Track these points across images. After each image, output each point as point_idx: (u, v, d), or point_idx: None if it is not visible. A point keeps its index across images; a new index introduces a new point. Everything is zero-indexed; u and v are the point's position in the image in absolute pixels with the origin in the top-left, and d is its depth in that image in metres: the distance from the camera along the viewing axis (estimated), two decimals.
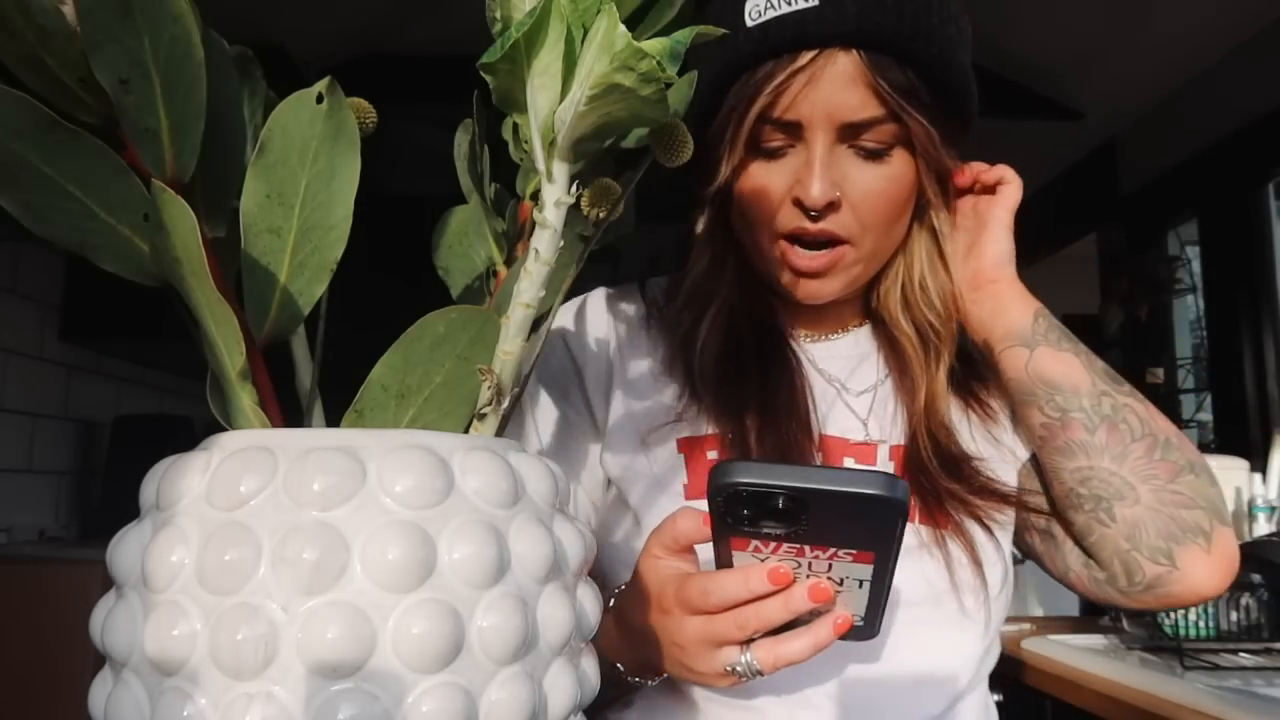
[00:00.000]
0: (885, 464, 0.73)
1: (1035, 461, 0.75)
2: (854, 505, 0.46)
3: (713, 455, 0.70)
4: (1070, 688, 1.51)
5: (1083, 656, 1.59)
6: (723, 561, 0.53)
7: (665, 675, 0.60)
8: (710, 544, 0.52)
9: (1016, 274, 0.76)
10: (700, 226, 0.74)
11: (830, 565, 0.50)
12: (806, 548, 0.49)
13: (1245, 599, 1.49)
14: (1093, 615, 1.99)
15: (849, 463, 0.73)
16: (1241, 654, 1.48)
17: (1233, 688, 1.30)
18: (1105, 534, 0.70)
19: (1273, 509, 1.82)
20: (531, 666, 0.36)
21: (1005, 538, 0.73)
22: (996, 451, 0.76)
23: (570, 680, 0.38)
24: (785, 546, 0.49)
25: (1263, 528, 1.79)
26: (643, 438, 0.71)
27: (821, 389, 0.75)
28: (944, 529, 0.70)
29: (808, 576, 0.51)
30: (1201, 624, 1.50)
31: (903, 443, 0.74)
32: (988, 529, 0.71)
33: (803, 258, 0.68)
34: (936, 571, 0.69)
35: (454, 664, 0.33)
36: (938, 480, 0.70)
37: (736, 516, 0.48)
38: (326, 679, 0.32)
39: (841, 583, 0.51)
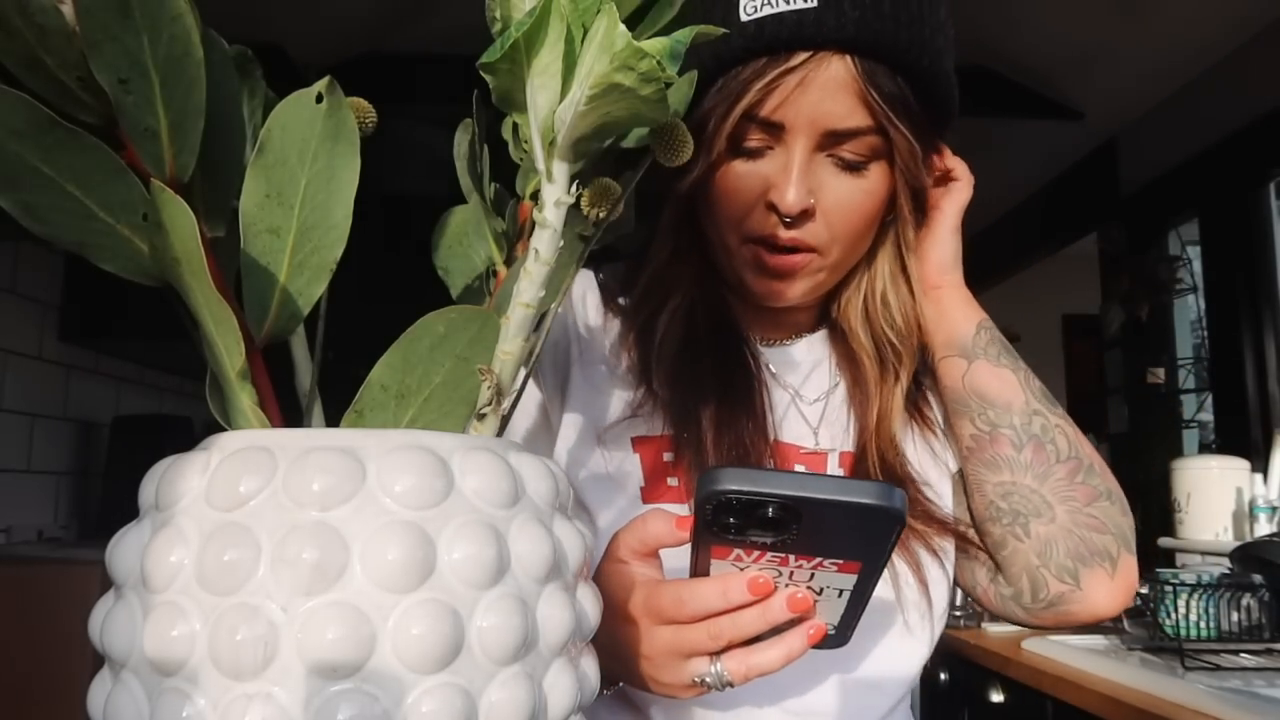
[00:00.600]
0: (834, 471, 0.73)
1: (961, 474, 0.76)
2: (850, 515, 0.44)
3: (668, 457, 0.69)
4: (1070, 688, 1.51)
5: (1083, 656, 1.59)
6: (700, 569, 0.51)
7: (619, 685, 0.58)
8: (680, 548, 0.51)
9: (963, 279, 0.75)
10: (665, 219, 0.73)
11: (813, 574, 0.48)
12: (791, 557, 0.47)
13: (1246, 599, 1.49)
14: None
15: (799, 469, 0.72)
16: (1242, 654, 1.48)
17: (1233, 688, 1.30)
18: (1018, 549, 0.71)
19: (1273, 509, 1.82)
20: (531, 667, 0.36)
21: (949, 560, 0.73)
22: (935, 465, 0.76)
23: (570, 680, 0.38)
24: (769, 555, 0.47)
25: (1263, 528, 1.79)
26: (598, 435, 0.70)
27: (777, 394, 0.75)
28: None
29: (787, 585, 0.49)
30: (1202, 624, 1.49)
31: (851, 450, 0.74)
32: (932, 550, 0.71)
33: (771, 257, 0.68)
34: (882, 586, 0.68)
35: (454, 664, 0.33)
36: None
37: (723, 525, 0.46)
38: (326, 679, 0.32)
39: (821, 592, 0.49)
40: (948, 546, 0.73)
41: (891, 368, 0.75)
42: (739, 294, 0.74)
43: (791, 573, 0.48)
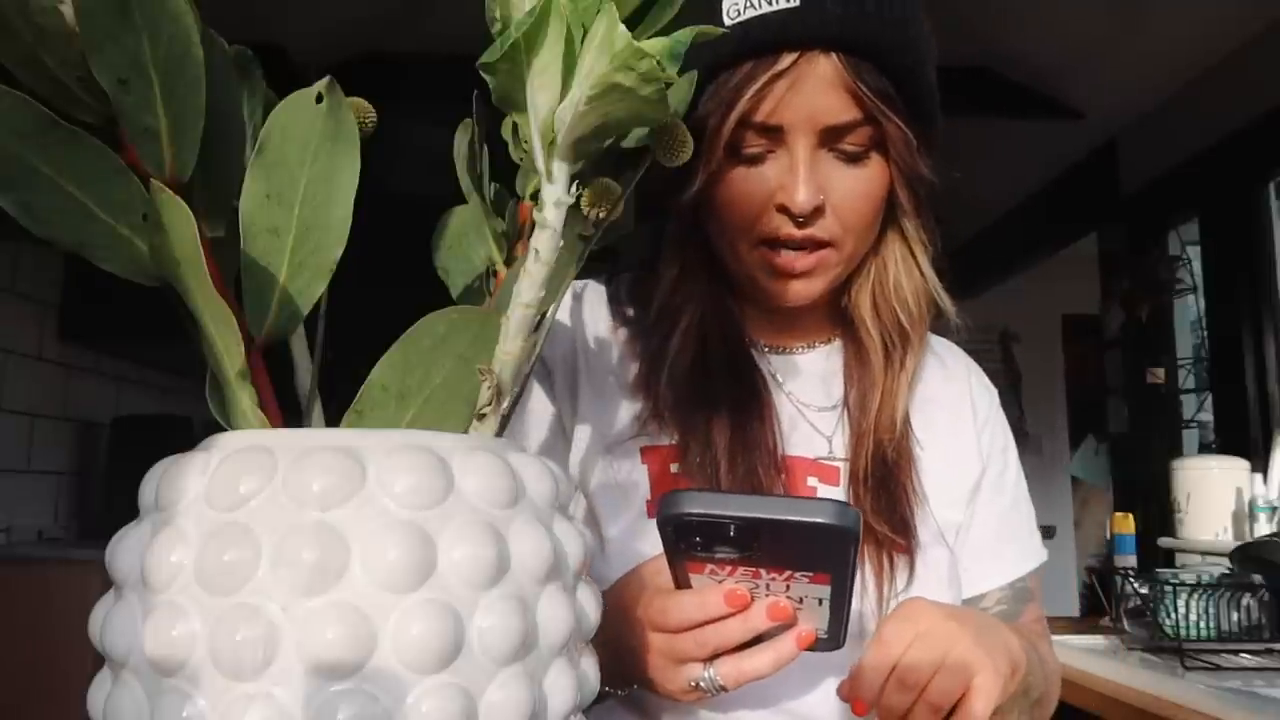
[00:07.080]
0: (846, 483, 0.73)
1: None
2: (805, 533, 0.46)
3: (675, 468, 0.70)
4: (1070, 688, 1.51)
5: (1083, 656, 1.59)
6: (680, 583, 0.53)
7: (634, 688, 0.60)
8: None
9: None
10: (671, 232, 0.73)
11: (788, 585, 0.50)
12: (763, 570, 0.49)
13: (1246, 599, 1.49)
14: (1093, 615, 1.98)
15: (811, 481, 0.73)
16: (1242, 654, 1.48)
17: (1233, 688, 1.30)
18: None
19: (1273, 509, 1.82)
20: (531, 667, 0.36)
21: (942, 560, 0.73)
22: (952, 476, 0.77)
23: (570, 681, 0.38)
24: (742, 569, 0.49)
25: (1263, 528, 1.79)
26: (608, 446, 0.71)
27: (786, 407, 0.75)
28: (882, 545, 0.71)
29: (766, 595, 0.51)
30: (1202, 624, 1.49)
31: (859, 458, 0.74)
32: (909, 556, 0.71)
33: (787, 258, 0.68)
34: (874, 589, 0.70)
35: (454, 664, 0.33)
36: (875, 496, 0.71)
37: (689, 543, 0.48)
38: (326, 679, 0.32)
39: (801, 601, 0.51)
40: (940, 555, 0.73)
41: (897, 354, 0.75)
42: (752, 300, 0.74)
43: (767, 584, 0.50)
